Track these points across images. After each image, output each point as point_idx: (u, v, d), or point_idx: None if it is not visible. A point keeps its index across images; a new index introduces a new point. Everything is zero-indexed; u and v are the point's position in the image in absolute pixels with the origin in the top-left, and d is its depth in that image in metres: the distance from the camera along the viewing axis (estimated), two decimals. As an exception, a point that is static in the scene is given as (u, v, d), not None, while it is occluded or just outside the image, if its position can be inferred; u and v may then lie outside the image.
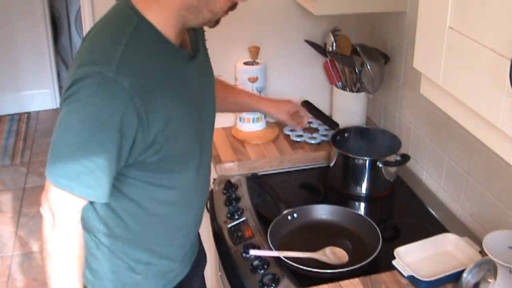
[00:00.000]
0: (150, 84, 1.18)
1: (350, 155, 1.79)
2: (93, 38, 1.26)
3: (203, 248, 1.72)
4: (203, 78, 1.40)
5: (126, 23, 1.20)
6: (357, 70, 1.97)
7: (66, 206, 1.18)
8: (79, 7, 3.86)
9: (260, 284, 1.40)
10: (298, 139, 2.05)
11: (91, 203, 1.25)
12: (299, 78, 2.21)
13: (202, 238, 2.04)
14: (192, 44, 1.36)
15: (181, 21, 1.23)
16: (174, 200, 1.37)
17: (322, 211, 1.65)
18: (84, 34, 3.85)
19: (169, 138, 1.23)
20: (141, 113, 1.15)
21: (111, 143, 1.13)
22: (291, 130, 2.10)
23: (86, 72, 1.13)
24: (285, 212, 1.62)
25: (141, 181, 1.28)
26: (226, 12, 1.26)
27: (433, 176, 1.81)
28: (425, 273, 1.37)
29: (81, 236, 1.22)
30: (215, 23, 1.29)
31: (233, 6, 1.26)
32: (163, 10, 1.21)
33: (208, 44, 1.47)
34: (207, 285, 2.18)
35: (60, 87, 4.80)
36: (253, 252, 1.48)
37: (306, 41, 2.12)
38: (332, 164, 1.87)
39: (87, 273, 1.37)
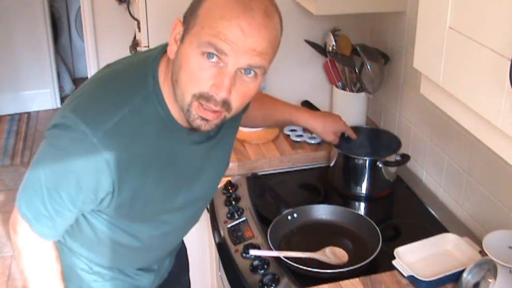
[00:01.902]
0: (132, 159, 1.15)
1: (350, 155, 1.79)
2: (104, 81, 1.20)
3: (180, 268, 1.68)
4: (209, 160, 1.31)
5: (139, 89, 1.15)
6: (357, 70, 1.97)
7: (30, 234, 1.22)
8: (79, 7, 3.86)
9: (260, 284, 1.40)
10: (298, 139, 2.04)
11: None
12: (299, 78, 2.20)
13: (202, 238, 2.04)
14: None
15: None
16: (131, 246, 1.35)
17: (322, 211, 1.65)
18: (84, 34, 3.85)
19: (134, 205, 1.22)
20: (114, 180, 1.14)
21: (77, 198, 1.15)
22: (291, 130, 2.09)
23: (75, 124, 1.10)
24: (285, 212, 1.62)
25: (98, 218, 1.29)
26: (200, 105, 1.09)
27: (433, 176, 1.80)
28: (425, 273, 1.37)
29: (52, 252, 1.26)
30: (201, 119, 1.11)
31: (202, 97, 1.08)
32: (171, 86, 1.14)
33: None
34: (207, 285, 2.18)
35: (60, 87, 4.79)
36: (253, 252, 1.48)
37: (306, 41, 2.12)
38: (332, 164, 1.87)
39: None
